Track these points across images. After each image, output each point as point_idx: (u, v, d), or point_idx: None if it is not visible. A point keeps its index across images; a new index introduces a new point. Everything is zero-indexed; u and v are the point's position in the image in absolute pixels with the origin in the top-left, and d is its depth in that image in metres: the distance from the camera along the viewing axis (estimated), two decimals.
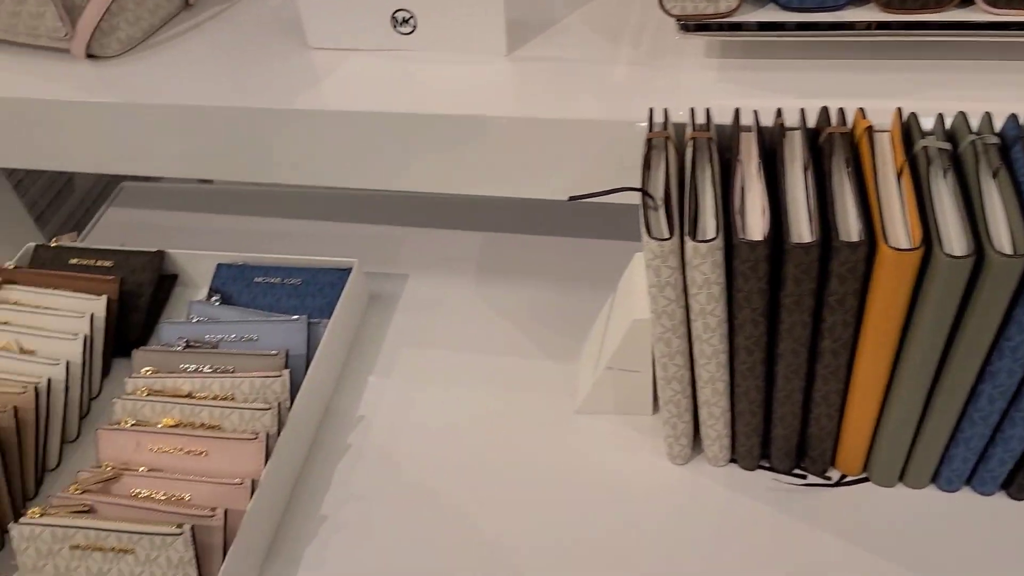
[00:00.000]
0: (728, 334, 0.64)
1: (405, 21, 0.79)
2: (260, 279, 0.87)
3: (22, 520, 0.65)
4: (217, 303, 0.85)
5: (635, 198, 0.62)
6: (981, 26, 0.66)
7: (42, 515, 0.65)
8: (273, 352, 0.77)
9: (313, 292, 0.86)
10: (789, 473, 0.73)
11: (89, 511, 0.66)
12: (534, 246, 0.97)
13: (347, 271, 0.87)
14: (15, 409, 0.73)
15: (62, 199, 1.26)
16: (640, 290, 0.72)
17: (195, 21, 0.89)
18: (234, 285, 0.88)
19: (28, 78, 0.83)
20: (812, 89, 0.70)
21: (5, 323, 0.83)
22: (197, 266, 0.93)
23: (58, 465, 0.79)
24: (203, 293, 0.92)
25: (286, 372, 0.75)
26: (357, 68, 0.79)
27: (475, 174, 0.76)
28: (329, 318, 0.82)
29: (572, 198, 0.63)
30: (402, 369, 0.85)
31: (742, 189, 0.61)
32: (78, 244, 0.93)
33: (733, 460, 0.75)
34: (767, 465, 0.74)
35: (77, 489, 0.68)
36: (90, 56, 0.84)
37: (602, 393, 0.76)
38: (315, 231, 1.05)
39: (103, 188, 1.33)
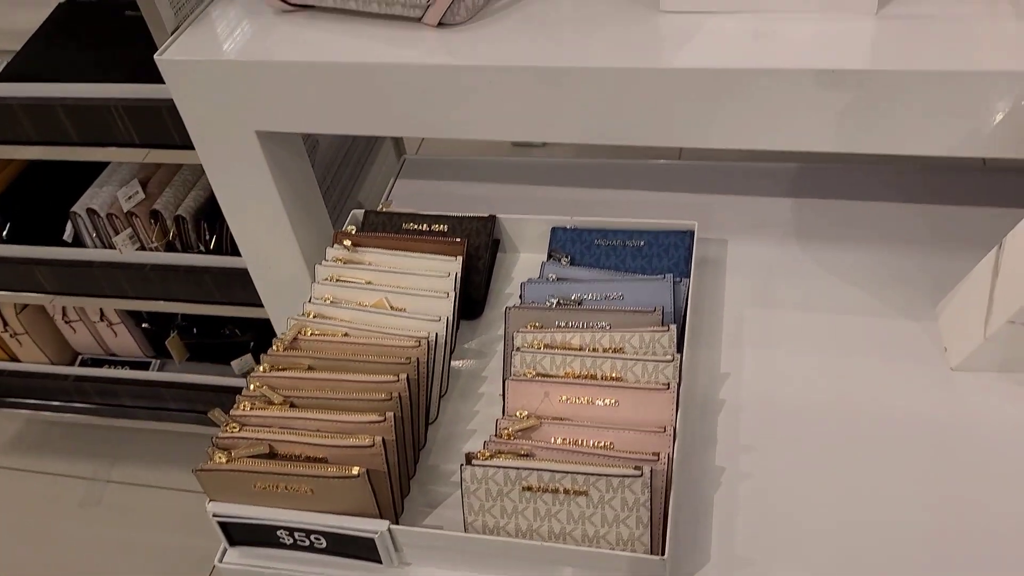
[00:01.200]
0: None
1: None
2: (600, 241, 0.89)
3: (475, 462, 0.67)
4: (567, 263, 0.87)
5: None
6: None
7: (491, 456, 0.67)
8: (651, 309, 0.78)
9: (659, 253, 0.87)
10: None
11: (528, 455, 0.69)
12: (846, 210, 0.98)
13: (687, 233, 0.88)
14: (416, 361, 0.76)
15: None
16: None
17: None
18: (573, 247, 0.90)
19: (388, 46, 0.86)
20: None
21: (369, 282, 0.86)
22: (521, 231, 0.95)
23: (436, 418, 0.82)
24: (527, 257, 0.94)
25: (673, 327, 0.76)
26: (717, 28, 0.80)
27: (858, 132, 0.77)
28: (679, 278, 0.83)
29: None
30: (752, 329, 0.86)
31: None
32: (405, 210, 0.96)
33: None
34: None
35: (507, 434, 0.70)
36: (440, 24, 0.87)
37: (992, 350, 0.76)
38: (600, 199, 1.06)
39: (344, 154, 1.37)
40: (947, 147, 0.76)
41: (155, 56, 0.89)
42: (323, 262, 0.88)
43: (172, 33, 0.92)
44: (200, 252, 1.23)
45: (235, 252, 1.13)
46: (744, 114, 0.79)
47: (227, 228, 1.11)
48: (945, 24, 0.76)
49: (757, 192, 1.02)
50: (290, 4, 0.92)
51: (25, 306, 1.48)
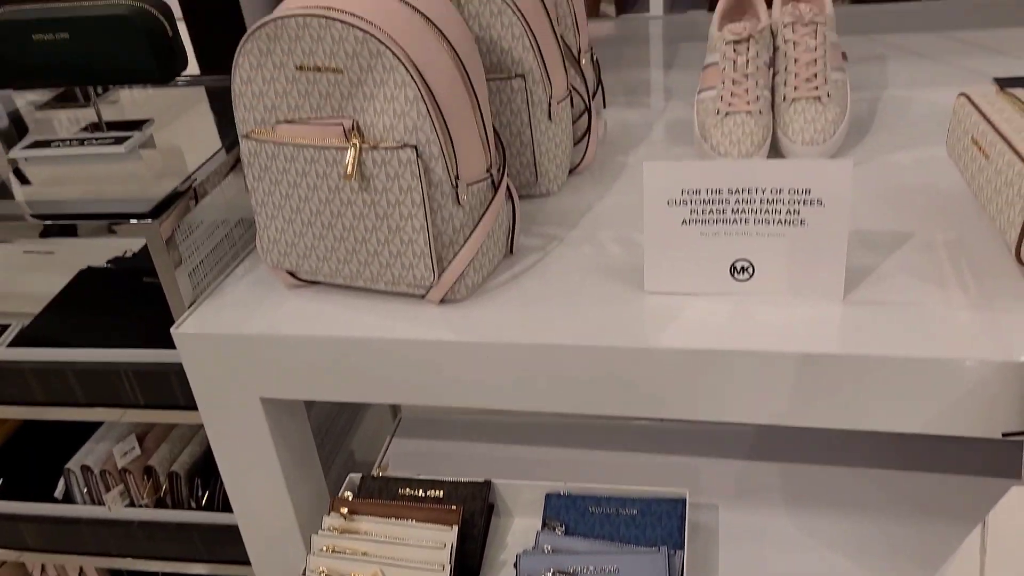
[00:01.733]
0: None
1: (744, 270, 0.88)
2: (594, 508, 0.90)
3: None
4: (562, 533, 0.88)
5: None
6: None
7: None
8: None
9: (651, 522, 0.89)
10: None
11: None
12: (834, 475, 1.00)
13: (679, 501, 0.90)
14: None
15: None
16: None
17: (521, 267, 0.99)
18: (567, 514, 0.91)
19: (391, 321, 0.92)
20: None
21: (365, 554, 0.86)
22: (516, 496, 0.97)
23: None
24: (522, 522, 0.95)
25: None
26: (697, 310, 0.87)
27: (831, 409, 0.82)
28: (671, 549, 0.84)
29: (1006, 435, 0.67)
30: None
31: None
32: (401, 475, 0.98)
33: None
34: None
35: None
36: (442, 302, 0.94)
37: None
38: (593, 459, 1.09)
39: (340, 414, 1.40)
40: (917, 425, 0.80)
41: (171, 329, 0.95)
42: (320, 531, 0.89)
43: (189, 306, 0.98)
44: (191, 508, 1.23)
45: (226, 508, 1.13)
46: (724, 390, 0.84)
47: (220, 485, 1.12)
48: (906, 310, 0.83)
49: (745, 456, 1.05)
50: (300, 280, 0.99)
51: (3, 563, 1.44)
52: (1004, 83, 1.24)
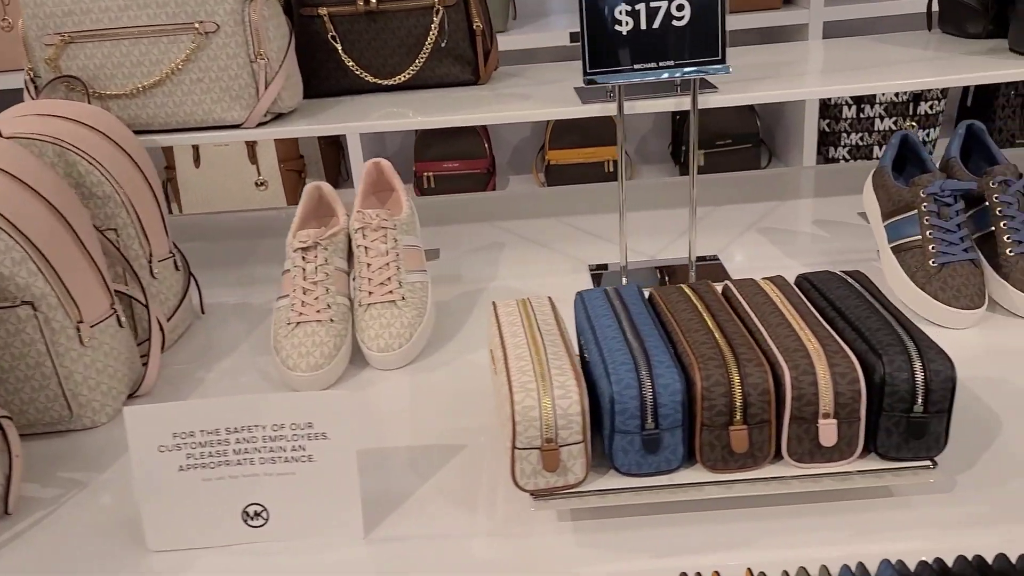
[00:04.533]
0: None
1: (257, 515, 0.79)
2: None
3: None
4: None
5: None
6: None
7: None
8: None
9: None
10: None
11: None
12: None
13: None
14: None
15: None
16: None
17: (15, 530, 0.83)
18: None
19: None
20: (662, 546, 0.74)
21: None
22: None
23: None
24: None
25: None
26: (206, 569, 0.76)
27: None
28: None
29: None
30: None
31: None
32: None
33: None
34: None
35: None
36: None
37: None
38: None
39: None
40: None
41: None
42: None
43: None
44: None
45: None
46: None
47: None
48: (428, 545, 0.77)
49: None
50: None
51: None
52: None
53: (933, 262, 1.04)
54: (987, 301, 1.04)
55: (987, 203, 1.07)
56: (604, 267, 1.29)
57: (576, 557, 0.74)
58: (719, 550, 0.72)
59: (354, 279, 1.10)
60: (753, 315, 0.81)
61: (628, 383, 0.73)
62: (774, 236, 1.35)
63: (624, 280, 1.24)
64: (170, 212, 1.83)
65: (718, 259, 1.29)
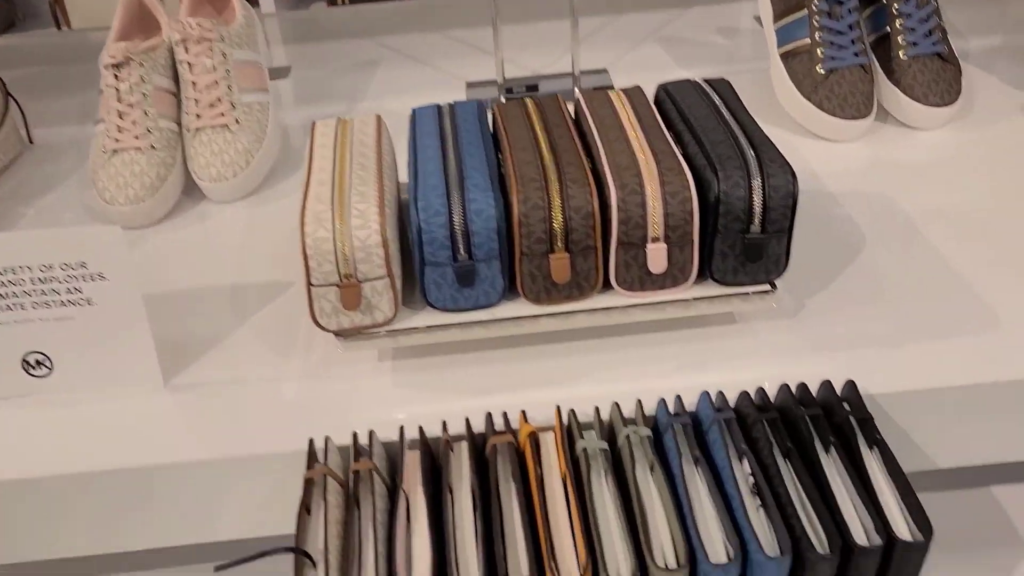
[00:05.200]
0: None
1: (39, 363, 0.71)
2: None
3: None
4: None
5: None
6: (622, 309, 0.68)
7: None
8: None
9: None
10: None
11: None
12: None
13: None
14: None
15: None
16: None
17: None
18: None
19: None
20: (480, 385, 0.68)
21: None
22: None
23: None
24: None
25: None
26: None
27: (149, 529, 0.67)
28: None
29: (218, 568, 0.55)
30: None
31: (407, 533, 0.56)
32: None
33: None
34: None
35: None
36: None
37: None
38: None
39: None
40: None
41: None
42: None
43: None
44: None
45: None
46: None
47: None
48: (231, 391, 0.71)
49: None
50: None
51: None
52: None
53: (821, 68, 0.94)
54: (875, 110, 0.95)
55: (884, 1, 0.96)
56: (488, 84, 1.17)
57: (388, 399, 0.68)
58: (539, 387, 0.67)
59: (181, 102, 0.97)
60: (596, 131, 0.71)
61: (437, 210, 0.64)
62: (670, 46, 1.23)
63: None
64: (58, 28, 1.63)
65: (606, 71, 1.18)
